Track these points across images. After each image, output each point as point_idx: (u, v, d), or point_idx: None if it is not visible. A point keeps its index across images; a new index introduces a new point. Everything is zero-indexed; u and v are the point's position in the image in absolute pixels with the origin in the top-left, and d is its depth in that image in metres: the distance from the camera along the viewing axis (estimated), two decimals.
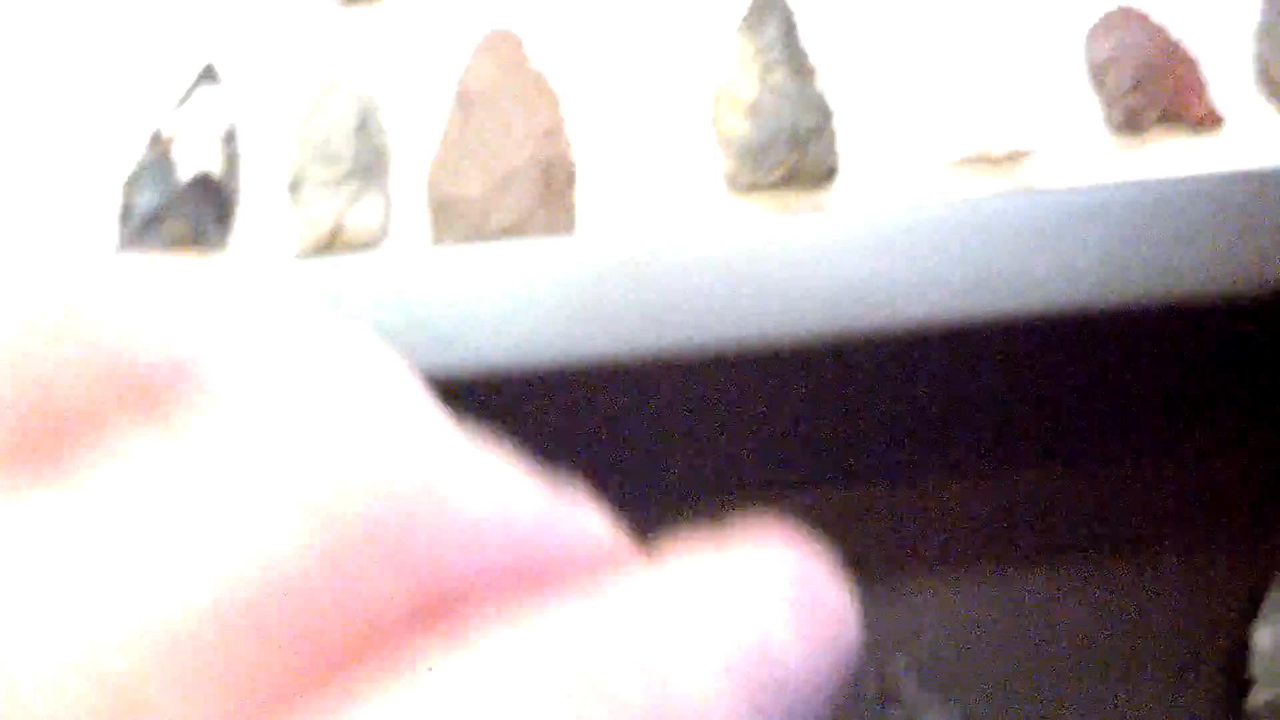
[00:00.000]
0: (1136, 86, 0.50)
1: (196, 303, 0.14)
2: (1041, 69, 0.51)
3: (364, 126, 0.47)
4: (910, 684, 0.42)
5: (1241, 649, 0.41)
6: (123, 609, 0.12)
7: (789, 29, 0.50)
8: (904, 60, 0.51)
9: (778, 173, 0.46)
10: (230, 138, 0.48)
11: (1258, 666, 0.40)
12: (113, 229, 0.46)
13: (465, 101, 0.48)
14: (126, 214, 0.45)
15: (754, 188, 0.47)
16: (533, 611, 0.14)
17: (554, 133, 0.47)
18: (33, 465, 0.13)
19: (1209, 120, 0.50)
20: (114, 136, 0.49)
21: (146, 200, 0.45)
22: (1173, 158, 0.49)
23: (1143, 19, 0.53)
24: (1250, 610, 0.41)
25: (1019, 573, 0.44)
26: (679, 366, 0.40)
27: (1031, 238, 0.42)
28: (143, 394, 0.13)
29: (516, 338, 0.40)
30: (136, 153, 0.48)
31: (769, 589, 0.15)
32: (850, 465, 0.45)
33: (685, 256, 0.41)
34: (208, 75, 0.49)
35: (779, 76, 0.48)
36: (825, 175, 0.47)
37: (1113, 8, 0.53)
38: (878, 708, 0.43)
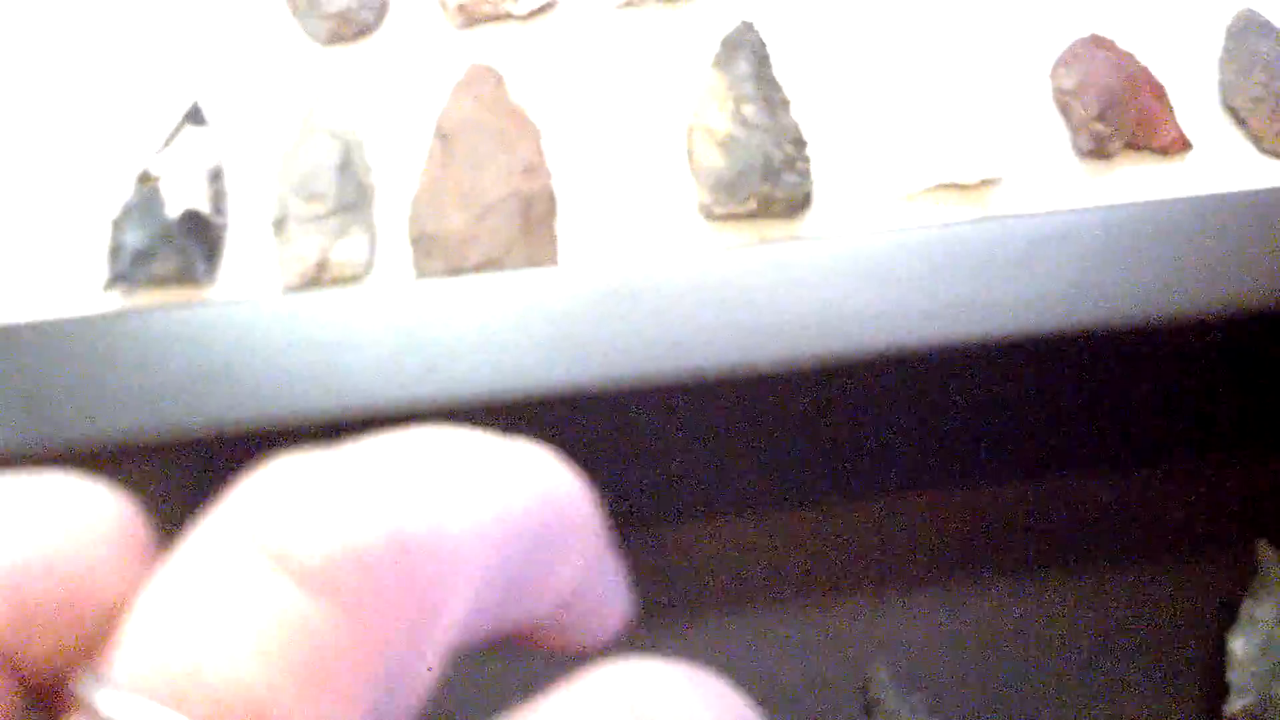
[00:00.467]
0: (1103, 114, 0.51)
1: None
2: (1010, 98, 0.53)
3: (347, 164, 0.48)
4: (892, 694, 0.43)
5: (1219, 657, 0.42)
6: None
7: (761, 62, 0.52)
8: (876, 91, 0.52)
9: (751, 204, 0.47)
10: (216, 176, 0.48)
11: (1234, 674, 0.41)
12: (103, 266, 0.47)
13: (446, 137, 0.49)
14: (116, 252, 0.46)
15: (728, 218, 0.48)
16: None
17: (534, 167, 0.48)
18: None
19: (1176, 146, 0.51)
20: (102, 176, 0.50)
21: (135, 238, 0.45)
22: (1141, 183, 0.50)
23: (1109, 47, 0.54)
24: (1226, 619, 0.42)
25: (998, 585, 0.44)
26: (660, 392, 0.41)
27: (1003, 262, 0.43)
28: None
29: (500, 367, 0.41)
30: (124, 192, 0.48)
31: None
32: (829, 483, 0.46)
33: (663, 285, 0.42)
34: (193, 116, 0.50)
35: (751, 109, 0.49)
36: (799, 205, 0.47)
37: (1079, 36, 0.54)
38: (861, 718, 0.44)
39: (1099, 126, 0.51)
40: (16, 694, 0.16)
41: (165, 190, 0.47)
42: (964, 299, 0.42)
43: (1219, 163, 0.51)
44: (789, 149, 0.48)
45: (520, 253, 0.45)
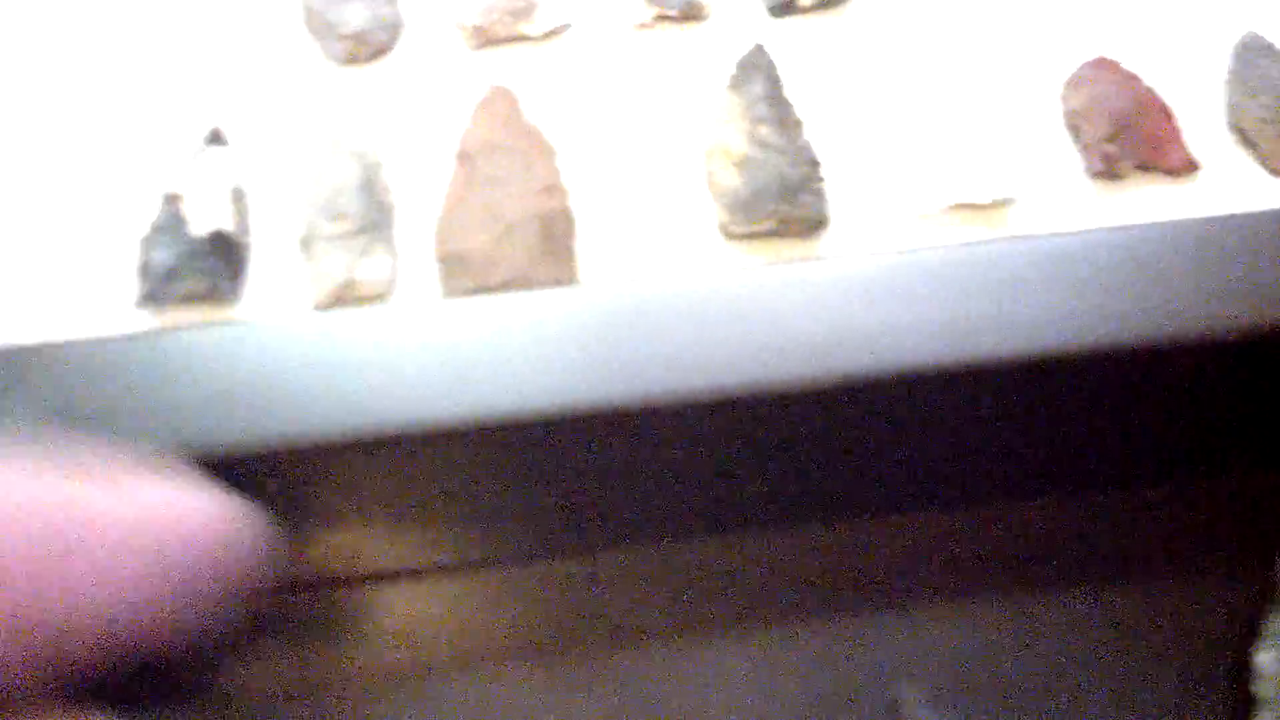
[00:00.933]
0: (1113, 136, 0.52)
1: None
2: (1021, 119, 0.53)
3: (369, 184, 0.49)
4: (921, 709, 0.43)
5: (1244, 671, 0.43)
6: None
7: (774, 84, 0.52)
8: (887, 113, 0.53)
9: (768, 223, 0.48)
10: (239, 196, 0.49)
11: (1260, 687, 0.41)
12: (132, 284, 0.48)
13: (468, 158, 0.49)
14: (146, 270, 0.46)
15: (746, 237, 0.49)
16: None
17: (552, 186, 0.48)
18: None
19: (1185, 167, 0.52)
20: (129, 196, 0.50)
21: (164, 256, 0.46)
22: (1150, 203, 0.51)
23: (1116, 69, 0.55)
24: (1251, 633, 0.43)
25: (1025, 600, 0.45)
26: (680, 410, 0.42)
27: (1018, 282, 0.43)
28: None
29: (525, 385, 0.42)
30: (152, 212, 0.49)
31: None
32: (849, 500, 0.47)
33: (683, 303, 0.43)
34: (214, 138, 0.51)
35: (766, 130, 0.50)
36: (815, 224, 0.48)
37: (1087, 59, 0.55)
38: None
39: (1109, 148, 0.52)
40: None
41: (190, 210, 0.47)
42: (980, 317, 0.43)
43: (1227, 183, 0.51)
44: (804, 169, 0.49)
45: (542, 271, 0.46)
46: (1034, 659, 0.45)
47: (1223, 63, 0.55)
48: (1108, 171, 0.52)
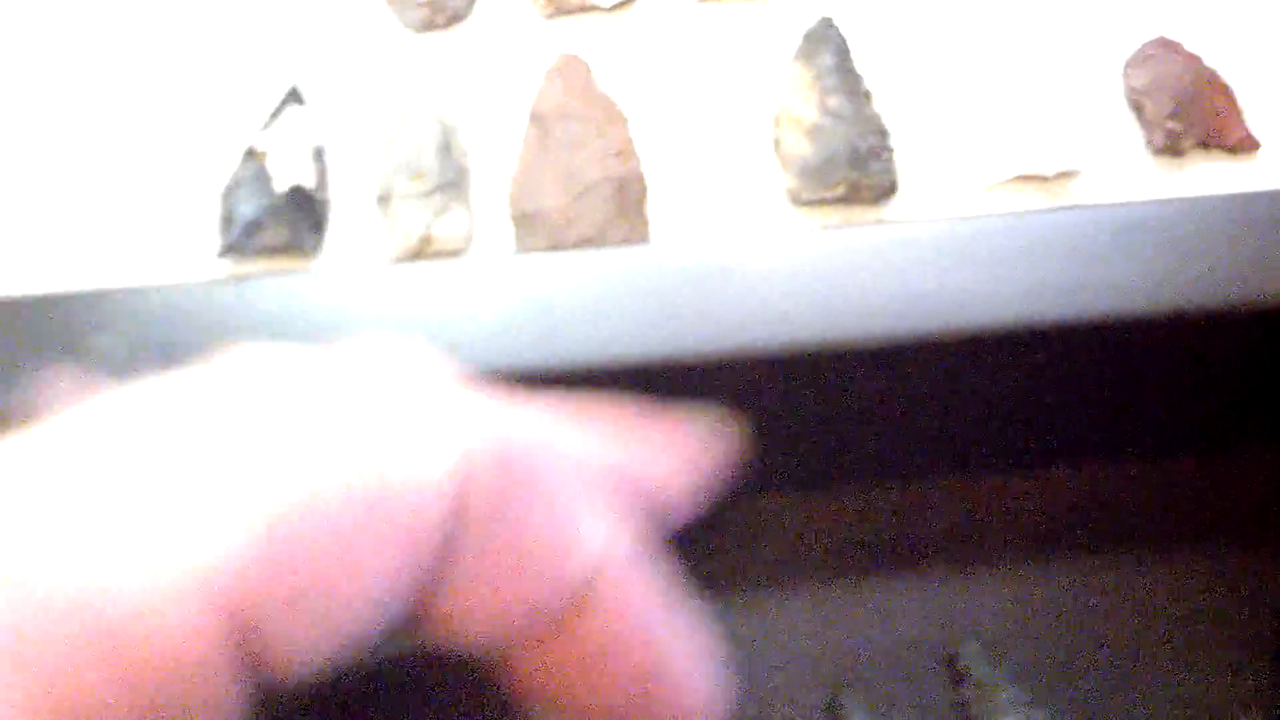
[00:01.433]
0: (1175, 114, 0.53)
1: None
2: (1085, 95, 0.54)
3: (446, 146, 0.50)
4: (983, 666, 0.44)
5: None
6: None
7: (843, 56, 0.53)
8: (954, 85, 0.54)
9: (839, 189, 0.49)
10: (319, 154, 0.50)
11: None
12: (213, 236, 0.49)
13: (540, 122, 0.50)
14: (228, 222, 0.48)
15: (816, 204, 0.49)
16: None
17: (626, 152, 0.49)
18: None
19: (1246, 144, 0.53)
20: (209, 151, 0.51)
21: (247, 210, 0.47)
22: (1211, 180, 0.52)
23: (1177, 49, 0.56)
24: None
25: (1085, 561, 0.46)
26: (752, 366, 0.43)
27: (1083, 248, 0.44)
28: None
29: (597, 340, 0.42)
30: (230, 167, 0.50)
31: None
32: (918, 460, 0.47)
33: (754, 263, 0.44)
34: (293, 97, 0.52)
35: (836, 101, 0.51)
36: (885, 192, 0.49)
37: (1148, 39, 0.56)
38: (950, 688, 0.45)
39: (1171, 125, 0.52)
40: None
41: (272, 166, 0.48)
42: (1045, 283, 0.43)
43: None
44: (874, 139, 0.50)
45: (616, 233, 0.47)
46: (1092, 620, 0.46)
47: None
48: (1170, 148, 0.52)
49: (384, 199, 0.49)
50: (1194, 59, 0.55)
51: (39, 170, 0.51)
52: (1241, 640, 0.44)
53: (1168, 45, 0.56)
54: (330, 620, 0.17)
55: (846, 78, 0.52)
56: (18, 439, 0.17)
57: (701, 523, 0.50)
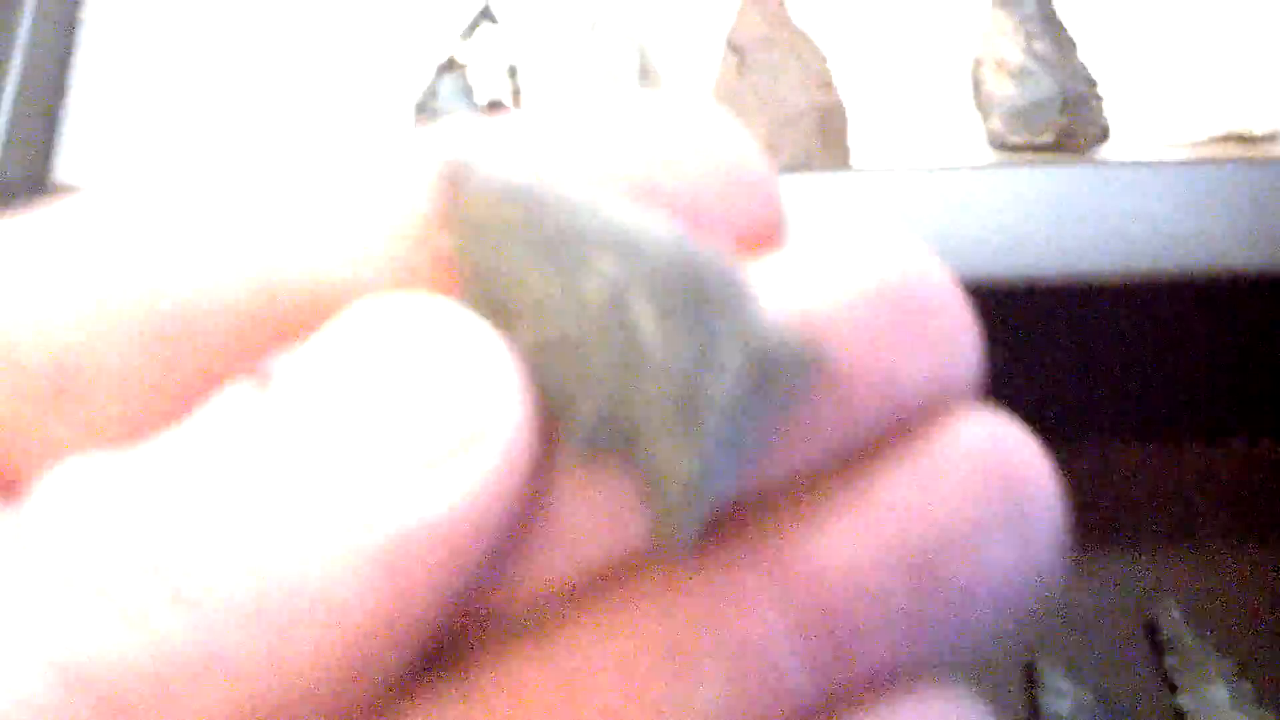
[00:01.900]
0: None
1: None
2: None
3: (643, 69, 0.49)
4: (1187, 634, 0.42)
5: None
6: None
7: (1045, 5, 0.52)
8: (1159, 37, 0.52)
9: (1048, 135, 0.47)
10: (513, 73, 0.49)
11: None
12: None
13: (738, 51, 0.49)
14: None
15: (1022, 148, 0.48)
16: None
17: (827, 84, 0.48)
18: None
19: None
20: (397, 68, 0.51)
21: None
22: None
23: None
24: None
25: None
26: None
27: None
28: None
29: None
30: (423, 81, 0.49)
31: None
32: (1123, 420, 0.46)
33: (960, 194, 0.42)
34: (486, 14, 0.51)
35: (1042, 46, 0.49)
36: (1096, 139, 0.47)
37: None
38: (1153, 656, 0.43)
39: None
40: None
41: (471, 79, 0.47)
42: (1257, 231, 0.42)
43: None
44: (1082, 85, 0.48)
45: (820, 162, 0.46)
46: None
47: None
48: None
49: None
50: None
51: (233, 81, 0.51)
52: None
53: None
54: None
55: (1050, 24, 0.50)
56: None
57: None
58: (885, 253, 0.15)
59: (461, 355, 0.13)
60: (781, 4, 0.52)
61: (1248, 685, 0.42)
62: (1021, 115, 0.48)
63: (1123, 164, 0.47)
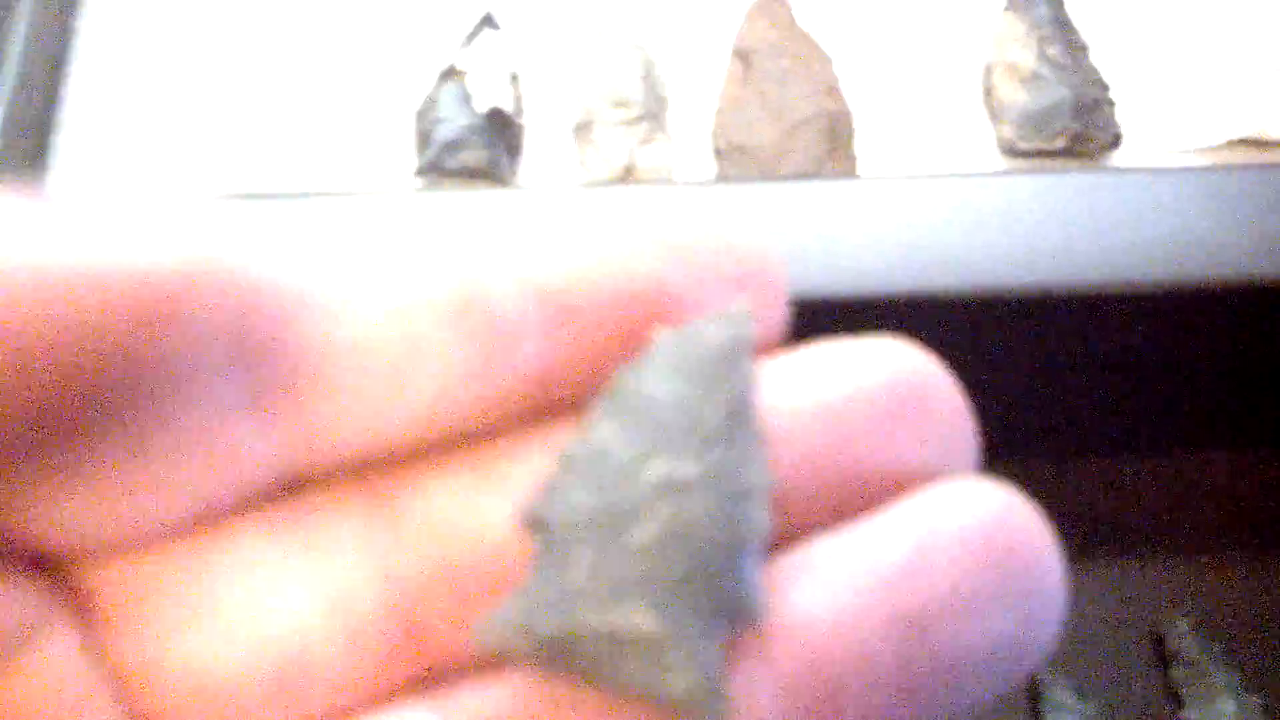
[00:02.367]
0: None
1: None
2: None
3: (649, 76, 0.48)
4: (1193, 646, 0.42)
5: None
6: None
7: (1058, 8, 0.51)
8: (1171, 41, 0.52)
9: (1060, 141, 0.47)
10: (515, 79, 0.49)
11: None
12: (407, 155, 0.48)
13: (744, 57, 0.49)
14: (425, 141, 0.46)
15: (1033, 154, 0.47)
16: None
17: (834, 89, 0.48)
18: None
19: None
20: (396, 75, 0.50)
21: (445, 129, 0.46)
22: None
23: None
24: None
25: None
26: (954, 308, 0.41)
27: None
28: None
29: (801, 269, 0.41)
30: (423, 88, 0.49)
31: None
32: (1124, 432, 0.45)
33: (968, 202, 0.42)
34: (488, 22, 0.50)
35: (1055, 50, 0.49)
36: (1108, 146, 0.47)
37: None
38: (1159, 669, 0.43)
39: None
40: None
41: (472, 86, 0.47)
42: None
43: None
44: (1095, 91, 0.48)
45: (826, 170, 0.45)
46: None
47: None
48: None
49: (583, 126, 0.47)
50: None
51: (239, 79, 0.50)
52: None
53: None
54: None
55: (1063, 29, 0.50)
56: None
57: None
58: (888, 352, 0.16)
59: None
60: (788, 10, 0.51)
61: (1255, 699, 0.42)
62: (1033, 121, 0.47)
63: (1135, 170, 0.47)
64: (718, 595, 0.14)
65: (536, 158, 0.48)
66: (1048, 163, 0.47)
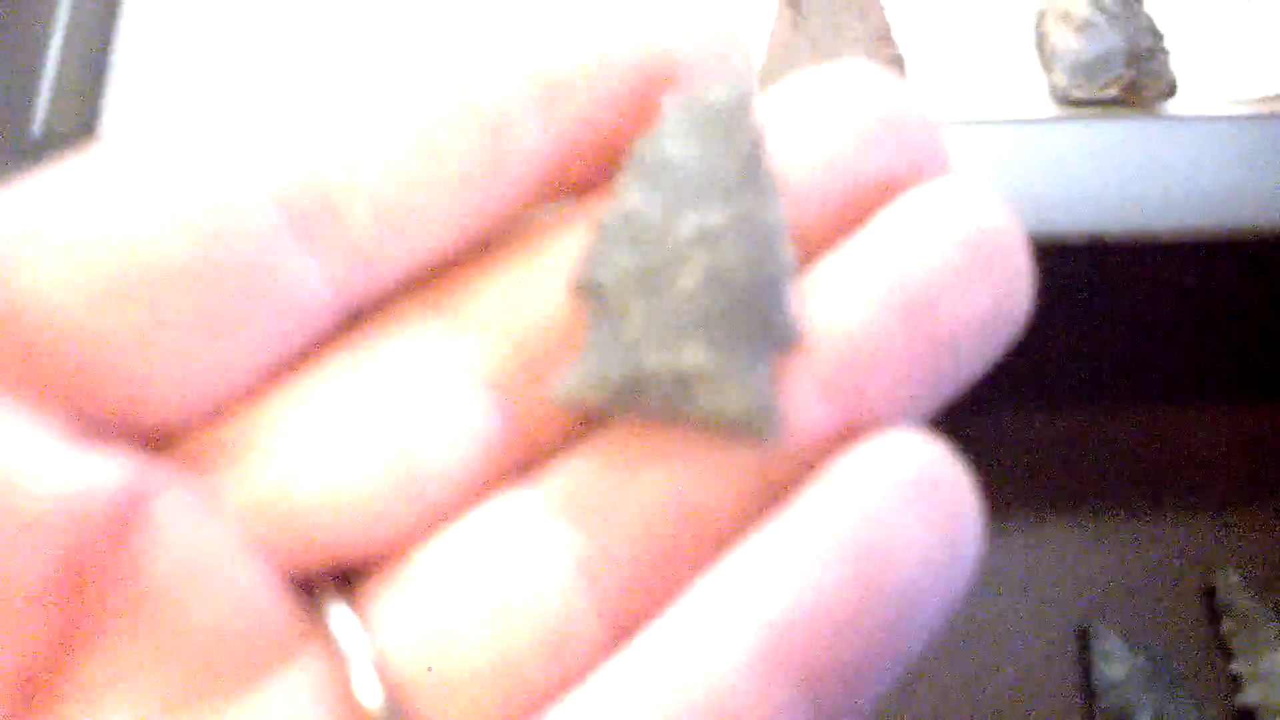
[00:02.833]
0: None
1: None
2: None
3: None
4: (1245, 599, 0.42)
5: None
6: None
7: None
8: None
9: (1113, 89, 0.46)
10: None
11: None
12: None
13: (794, 3, 0.48)
14: None
15: (1087, 103, 0.47)
16: None
17: (886, 36, 0.47)
18: None
19: None
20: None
21: None
22: None
23: None
24: None
25: None
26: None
27: None
28: None
29: None
30: None
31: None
32: (1183, 382, 0.45)
33: (1022, 151, 0.41)
34: None
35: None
36: (1164, 94, 0.46)
37: None
38: (1209, 621, 0.42)
39: None
40: None
41: None
42: None
43: None
44: (1149, 38, 0.47)
45: None
46: None
47: None
48: None
49: None
50: None
51: (281, 29, 0.50)
52: None
53: None
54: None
55: None
56: None
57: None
58: (872, 86, 0.17)
59: None
60: None
61: None
62: (1086, 69, 0.47)
63: (1188, 118, 0.46)
64: (760, 325, 0.15)
65: None
66: (1100, 111, 0.47)
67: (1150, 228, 0.40)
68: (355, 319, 0.16)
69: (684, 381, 0.15)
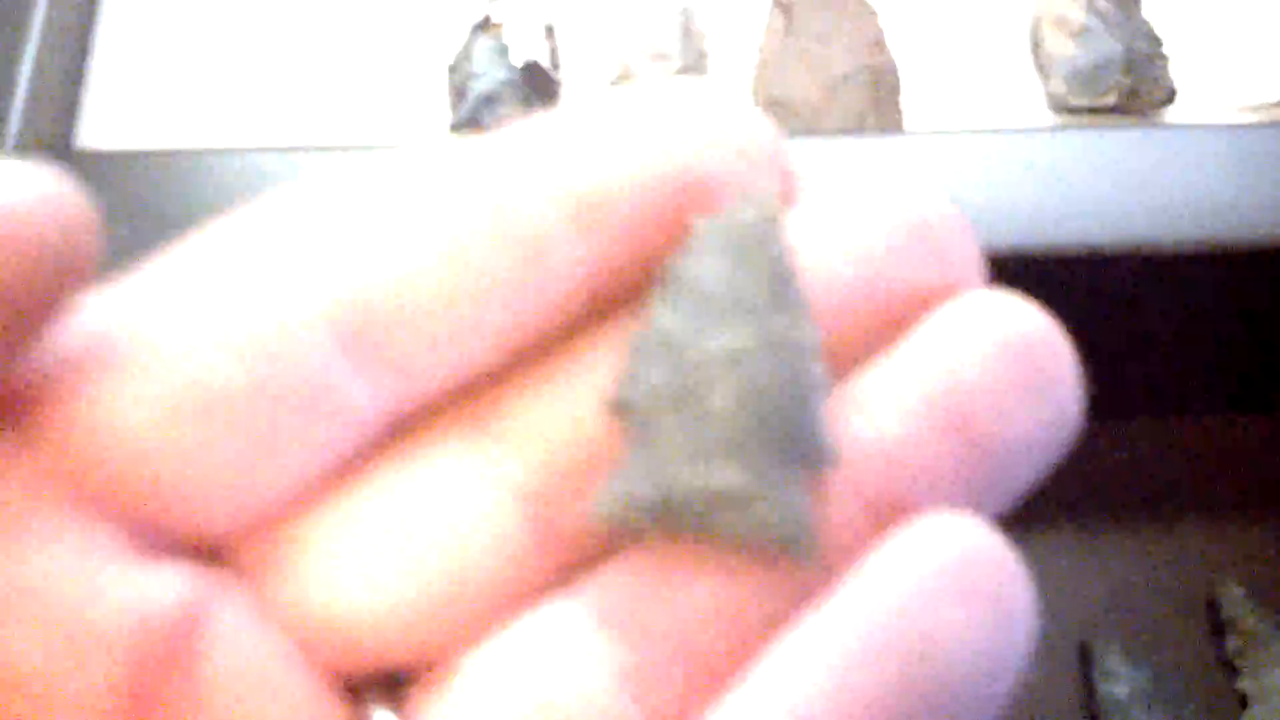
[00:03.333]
0: None
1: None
2: None
3: (687, 29, 0.47)
4: (1249, 613, 0.41)
5: None
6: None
7: None
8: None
9: (1110, 97, 0.46)
10: (550, 33, 0.48)
11: None
12: (441, 109, 0.47)
13: (786, 9, 0.47)
14: (460, 96, 0.45)
15: (1084, 111, 0.46)
16: None
17: (879, 44, 0.46)
18: None
19: None
20: (428, 28, 0.49)
21: (482, 83, 0.45)
22: None
23: None
24: None
25: None
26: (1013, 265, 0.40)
27: None
28: None
29: None
30: (456, 41, 0.48)
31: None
32: (1182, 393, 0.44)
33: (1018, 160, 0.41)
34: None
35: (1105, 3, 0.47)
36: (1162, 101, 0.46)
37: None
38: (1213, 637, 0.42)
39: None
40: None
41: (508, 39, 0.46)
42: None
43: None
44: (1147, 45, 0.46)
45: (872, 124, 0.44)
46: None
47: None
48: None
49: (621, 79, 0.46)
50: None
51: (271, 33, 0.49)
52: None
53: None
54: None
55: None
56: None
57: None
58: (901, 194, 0.17)
59: None
60: None
61: None
62: (1083, 76, 0.46)
63: (1187, 126, 0.45)
64: (793, 444, 0.16)
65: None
66: (1098, 119, 0.46)
67: (1149, 238, 0.39)
68: (398, 430, 0.16)
69: (716, 502, 0.15)
